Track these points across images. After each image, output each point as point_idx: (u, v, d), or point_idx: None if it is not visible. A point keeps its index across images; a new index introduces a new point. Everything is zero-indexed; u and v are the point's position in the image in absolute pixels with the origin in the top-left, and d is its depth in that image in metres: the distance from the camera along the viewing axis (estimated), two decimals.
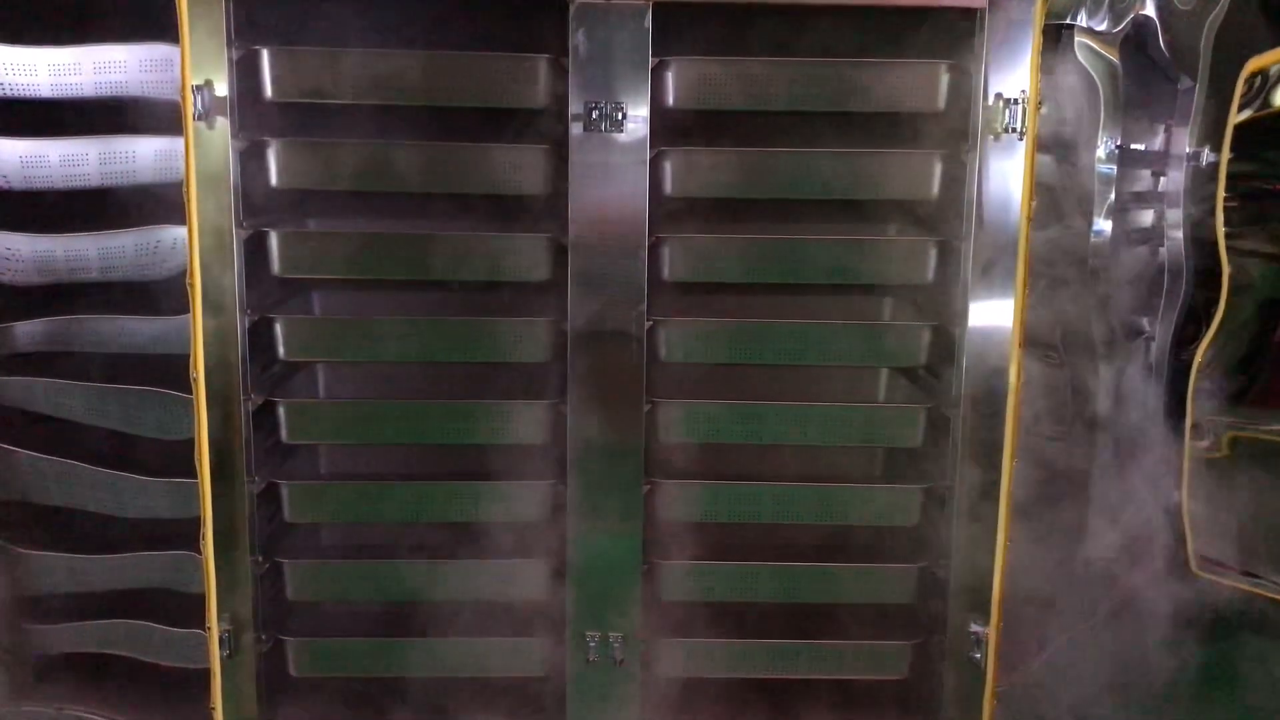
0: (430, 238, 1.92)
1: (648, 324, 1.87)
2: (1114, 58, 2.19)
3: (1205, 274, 2.17)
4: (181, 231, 1.83)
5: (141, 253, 1.98)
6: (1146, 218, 2.29)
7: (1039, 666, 2.18)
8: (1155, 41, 2.18)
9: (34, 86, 1.89)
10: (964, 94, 1.84)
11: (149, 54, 1.89)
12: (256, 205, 1.86)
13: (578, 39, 1.76)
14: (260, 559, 1.96)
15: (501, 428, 1.96)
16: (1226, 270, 2.06)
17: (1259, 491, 2.05)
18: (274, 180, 1.86)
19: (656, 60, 1.78)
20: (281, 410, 1.95)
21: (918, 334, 1.96)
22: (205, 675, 1.95)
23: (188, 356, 1.83)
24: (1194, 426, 2.12)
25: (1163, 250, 2.27)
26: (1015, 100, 1.76)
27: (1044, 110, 1.81)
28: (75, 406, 2.01)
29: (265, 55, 1.80)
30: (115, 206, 1.96)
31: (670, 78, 1.82)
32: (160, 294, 1.99)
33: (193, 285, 1.79)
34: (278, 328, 1.91)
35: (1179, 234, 2.22)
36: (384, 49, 1.82)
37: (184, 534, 1.95)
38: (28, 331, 2.00)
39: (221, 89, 1.75)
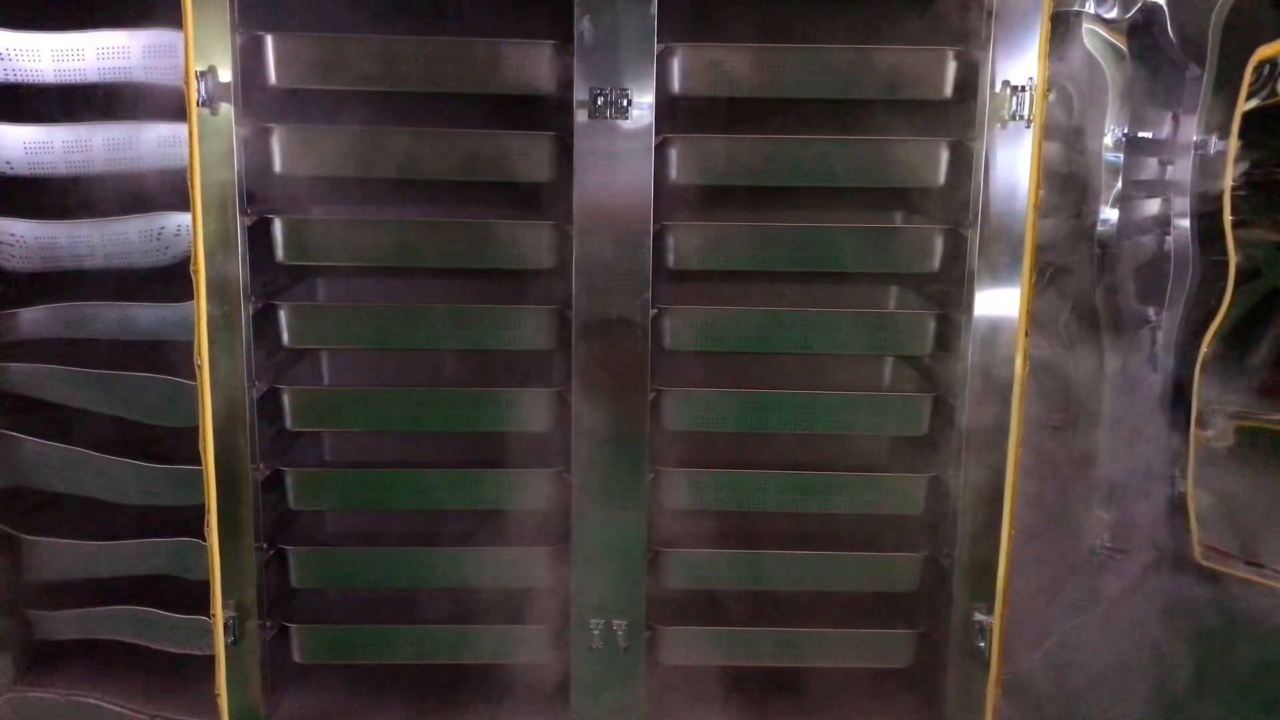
0: (434, 224, 1.92)
1: (652, 312, 1.86)
2: (1122, 45, 2.18)
3: (1212, 263, 2.16)
4: (185, 218, 1.83)
5: (145, 239, 1.98)
6: (1153, 206, 2.29)
7: (1042, 655, 2.18)
8: (1164, 29, 2.17)
9: (38, 72, 1.89)
10: (971, 81, 1.83)
11: (153, 39, 1.89)
12: (261, 192, 1.85)
13: (583, 25, 1.75)
14: (265, 546, 1.96)
15: (506, 415, 1.96)
16: (1233, 259, 2.05)
17: (1264, 481, 2.05)
18: (278, 167, 1.85)
19: (662, 46, 1.77)
20: (286, 397, 1.94)
21: (924, 322, 1.95)
22: (210, 661, 1.95)
23: (192, 343, 1.83)
24: (1200, 415, 2.11)
25: (1169, 239, 2.26)
26: (1023, 88, 1.75)
27: (1051, 98, 1.80)
28: (79, 393, 2.01)
29: (269, 41, 1.79)
30: (119, 193, 1.96)
31: (676, 64, 1.82)
32: (164, 281, 1.98)
33: (197, 272, 1.79)
34: (282, 314, 1.91)
35: (1186, 222, 2.21)
36: (388, 35, 1.81)
37: (189, 521, 1.95)
38: (32, 318, 2.00)
39: (225, 75, 1.74)
